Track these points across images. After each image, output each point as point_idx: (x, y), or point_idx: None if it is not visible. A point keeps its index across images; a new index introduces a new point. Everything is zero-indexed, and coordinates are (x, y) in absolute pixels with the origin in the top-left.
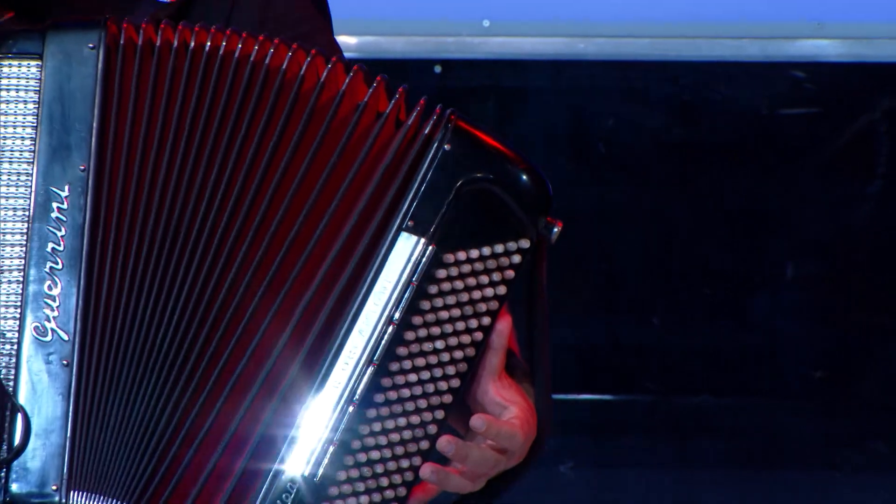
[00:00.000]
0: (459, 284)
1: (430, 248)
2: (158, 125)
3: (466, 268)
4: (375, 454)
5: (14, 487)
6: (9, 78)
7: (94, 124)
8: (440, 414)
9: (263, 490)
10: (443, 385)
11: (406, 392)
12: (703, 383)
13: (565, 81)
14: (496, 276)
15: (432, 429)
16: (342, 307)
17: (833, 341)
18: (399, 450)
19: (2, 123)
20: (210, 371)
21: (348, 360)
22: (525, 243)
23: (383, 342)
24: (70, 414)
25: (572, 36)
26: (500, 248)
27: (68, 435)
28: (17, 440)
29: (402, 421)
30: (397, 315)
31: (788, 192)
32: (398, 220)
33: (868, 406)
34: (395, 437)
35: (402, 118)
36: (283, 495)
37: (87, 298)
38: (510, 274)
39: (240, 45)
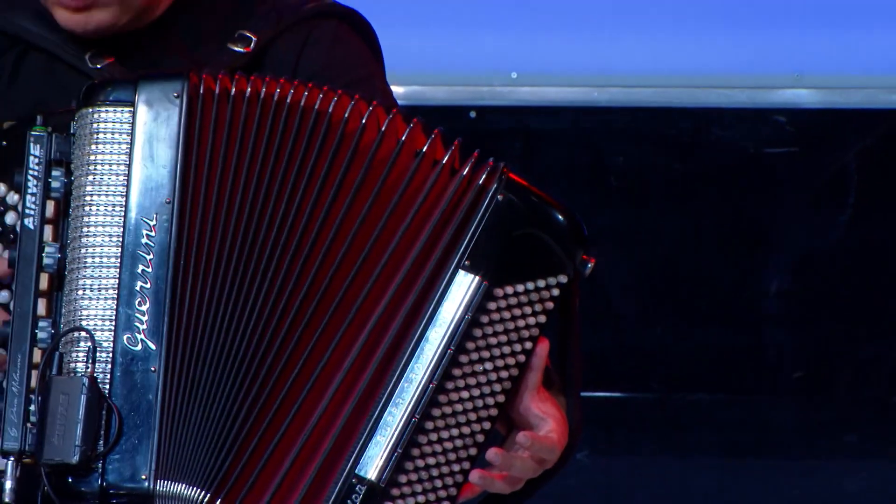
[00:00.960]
0: (507, 315)
1: (484, 284)
2: (233, 164)
3: (514, 300)
4: (432, 460)
5: (110, 476)
6: (106, 122)
7: (178, 162)
8: (487, 425)
9: (336, 491)
10: (490, 401)
11: (459, 407)
12: (700, 382)
13: (583, 125)
14: (538, 307)
15: (480, 438)
16: (406, 332)
17: (811, 345)
18: (452, 456)
19: (99, 162)
20: (283, 381)
21: (411, 379)
22: (563, 279)
23: (442, 365)
24: (157, 413)
25: (589, 86)
26: (542, 283)
27: (156, 431)
28: (112, 436)
29: (454, 431)
30: (455, 342)
31: (773, 218)
32: (456, 259)
33: (841, 401)
34: (448, 445)
35: (456, 167)
36: (353, 496)
37: (172, 313)
38: (550, 305)
39: (305, 94)
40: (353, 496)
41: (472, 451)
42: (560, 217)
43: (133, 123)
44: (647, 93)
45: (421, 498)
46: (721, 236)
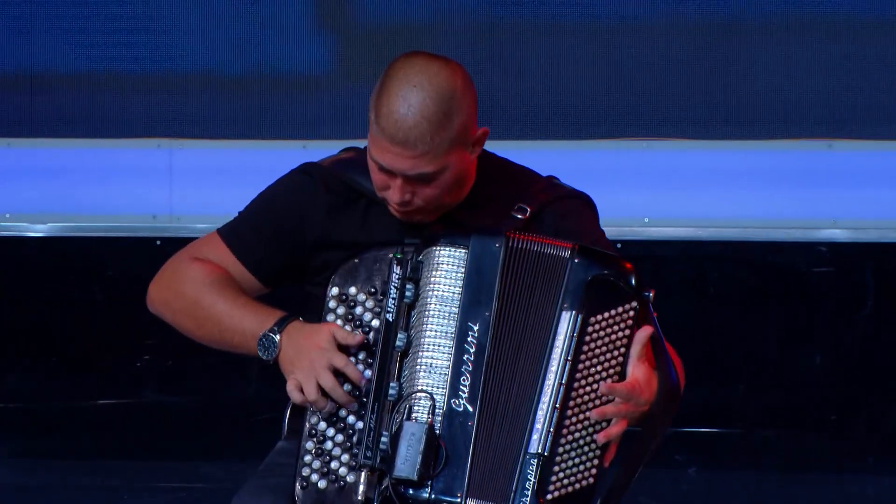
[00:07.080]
0: (602, 333)
1: (580, 316)
2: (519, 291)
3: (604, 323)
4: (576, 434)
5: (435, 491)
6: (446, 257)
7: (496, 289)
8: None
9: (519, 465)
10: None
11: (585, 397)
12: (775, 422)
13: (690, 253)
14: (622, 325)
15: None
16: (538, 359)
17: (841, 399)
18: (589, 430)
19: (441, 282)
20: (523, 416)
21: (546, 385)
22: (634, 303)
23: (565, 371)
24: (471, 454)
25: (695, 227)
26: (620, 309)
27: (468, 465)
28: (440, 465)
29: (586, 412)
30: (570, 354)
31: (817, 313)
32: (558, 305)
33: (863, 435)
34: (584, 423)
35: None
36: (530, 467)
37: (485, 385)
38: (630, 322)
39: (552, 246)
40: (531, 467)
41: (603, 424)
42: (620, 264)
43: (467, 260)
44: (733, 231)
45: (576, 459)
46: (781, 326)
